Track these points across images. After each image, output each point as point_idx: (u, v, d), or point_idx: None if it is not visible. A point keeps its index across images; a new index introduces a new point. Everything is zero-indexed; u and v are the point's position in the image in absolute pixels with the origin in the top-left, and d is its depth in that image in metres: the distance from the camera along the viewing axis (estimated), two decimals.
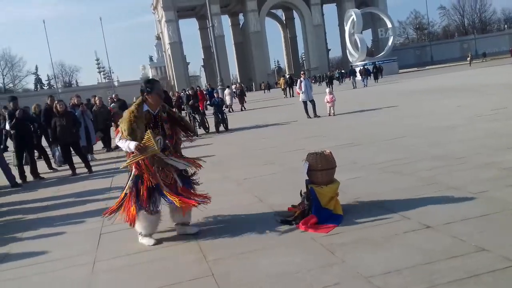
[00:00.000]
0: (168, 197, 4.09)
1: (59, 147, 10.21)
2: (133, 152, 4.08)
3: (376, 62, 50.26)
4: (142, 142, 3.98)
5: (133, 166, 4.21)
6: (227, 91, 27.54)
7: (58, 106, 9.20)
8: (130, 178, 4.28)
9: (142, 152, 3.99)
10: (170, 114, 4.40)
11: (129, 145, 4.04)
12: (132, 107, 4.16)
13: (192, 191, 4.37)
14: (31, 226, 5.58)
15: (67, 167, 9.72)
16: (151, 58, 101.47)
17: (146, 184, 4.12)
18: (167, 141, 4.28)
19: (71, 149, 9.53)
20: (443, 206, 4.28)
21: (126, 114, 4.16)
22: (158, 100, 4.19)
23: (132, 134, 4.02)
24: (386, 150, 7.64)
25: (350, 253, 3.49)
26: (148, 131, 4.02)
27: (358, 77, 39.71)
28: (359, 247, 3.58)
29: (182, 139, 4.56)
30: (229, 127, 15.18)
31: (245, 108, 26.20)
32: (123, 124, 4.10)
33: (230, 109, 25.08)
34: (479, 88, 17.19)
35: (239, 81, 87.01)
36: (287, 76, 40.37)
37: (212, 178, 7.15)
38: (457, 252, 3.22)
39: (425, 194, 4.73)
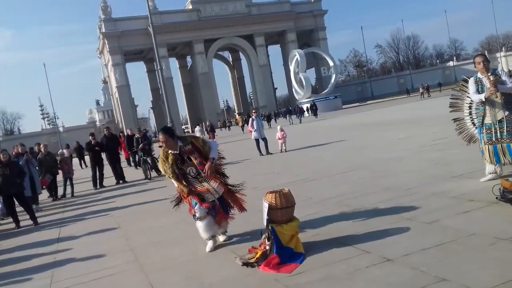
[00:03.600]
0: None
1: (1, 199, 9.60)
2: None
3: (314, 100, 52.74)
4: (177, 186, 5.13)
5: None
6: (197, 128, 31.86)
7: (1, 156, 8.71)
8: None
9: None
10: (193, 143, 4.98)
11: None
12: (161, 151, 5.04)
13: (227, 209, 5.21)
14: None
15: (10, 220, 9.12)
16: (97, 102, 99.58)
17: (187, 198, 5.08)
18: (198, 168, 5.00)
19: (15, 201, 8.98)
20: (400, 237, 4.37)
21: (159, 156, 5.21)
22: (168, 143, 4.88)
23: (174, 173, 4.97)
24: (339, 183, 7.79)
25: None
26: (172, 179, 5.10)
27: (306, 113, 41.13)
28: (324, 285, 3.55)
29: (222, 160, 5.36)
30: None
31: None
32: (160, 166, 5.23)
33: None
34: (419, 120, 18.14)
35: (188, 121, 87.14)
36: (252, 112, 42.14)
37: (167, 223, 6.96)
38: (419, 284, 3.27)
39: (381, 226, 4.82)
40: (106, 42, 73.04)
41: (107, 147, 14.05)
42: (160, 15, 72.84)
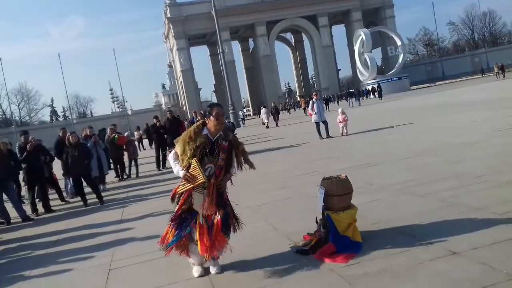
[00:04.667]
0: (194, 236, 3.92)
1: (70, 179, 10.16)
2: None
3: (379, 81, 50.93)
4: (189, 171, 3.79)
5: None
6: (263, 109, 32.36)
7: (70, 137, 9.18)
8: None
9: (189, 182, 3.80)
10: (232, 144, 4.03)
11: (178, 171, 3.90)
12: (192, 127, 4.00)
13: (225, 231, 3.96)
14: (39, 263, 5.43)
15: (79, 199, 9.64)
16: (163, 86, 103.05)
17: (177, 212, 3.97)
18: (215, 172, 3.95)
19: (83, 181, 9.46)
20: (468, 229, 4.02)
21: (184, 133, 4.01)
22: (216, 126, 3.91)
23: (183, 154, 3.83)
24: (403, 169, 7.39)
25: (372, 285, 3.26)
26: (194, 159, 3.77)
27: (370, 95, 39.88)
28: (382, 278, 3.34)
29: (233, 173, 4.16)
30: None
31: (278, 125, 28.87)
32: (178, 143, 3.93)
33: (267, 126, 29.02)
34: (493, 102, 16.85)
35: (250, 104, 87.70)
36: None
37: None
38: (488, 281, 2.98)
39: (448, 216, 4.48)
40: (171, 27, 74.92)
41: (170, 130, 14.37)
42: None
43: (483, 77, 52.37)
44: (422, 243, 3.88)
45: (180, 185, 3.93)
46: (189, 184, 3.81)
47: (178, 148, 3.91)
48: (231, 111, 35.44)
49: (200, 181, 3.75)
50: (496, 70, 46.27)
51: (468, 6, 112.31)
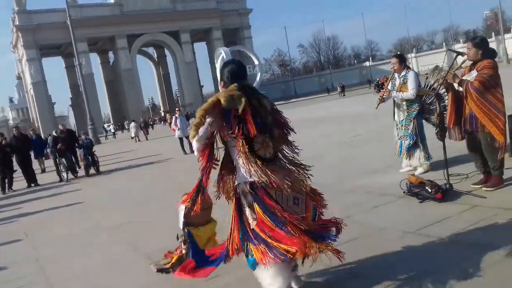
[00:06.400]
0: None
1: None
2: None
3: None
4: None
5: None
6: (133, 124, 31.52)
7: None
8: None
9: None
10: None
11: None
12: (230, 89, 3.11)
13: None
14: None
15: None
16: (11, 100, 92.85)
17: None
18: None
19: None
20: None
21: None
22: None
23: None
24: None
25: None
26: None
27: None
28: (243, 286, 3.49)
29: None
30: (102, 168, 14.30)
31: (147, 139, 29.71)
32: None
33: (136, 139, 29.53)
34: (337, 118, 18.84)
35: (111, 119, 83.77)
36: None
37: (81, 227, 6.58)
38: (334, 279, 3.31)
39: None
40: (20, 36, 67.96)
41: (16, 148, 13.02)
42: (80, 8, 69.37)
43: (328, 96, 58.25)
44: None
45: None
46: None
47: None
48: (90, 126, 33.47)
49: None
50: (339, 89, 52.32)
51: (315, 31, 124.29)
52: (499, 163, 4.83)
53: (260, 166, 2.98)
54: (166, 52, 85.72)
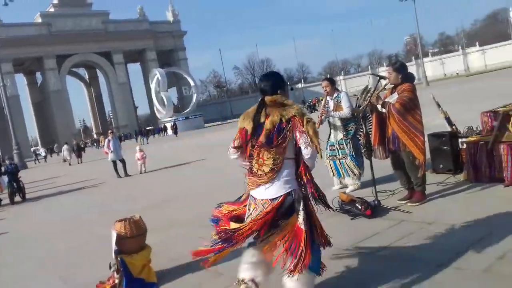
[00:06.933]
0: None
1: None
2: None
3: (175, 119, 54.16)
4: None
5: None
6: (65, 146, 31.18)
7: None
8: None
9: None
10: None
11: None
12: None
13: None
14: None
15: None
16: None
17: None
18: None
19: None
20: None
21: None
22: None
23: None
24: (201, 204, 7.70)
25: None
26: None
27: (169, 132, 41.19)
28: None
29: None
30: (28, 196, 13.48)
31: (81, 162, 29.06)
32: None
33: (69, 163, 28.96)
34: None
35: (39, 143, 79.27)
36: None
37: (5, 260, 6.13)
38: None
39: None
40: None
41: None
42: (6, 28, 65.99)
43: None
44: (214, 274, 4.11)
45: None
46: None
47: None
48: (15, 151, 31.53)
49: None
50: None
51: (250, 54, 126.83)
52: (421, 180, 5.17)
53: None
54: (99, 73, 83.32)
